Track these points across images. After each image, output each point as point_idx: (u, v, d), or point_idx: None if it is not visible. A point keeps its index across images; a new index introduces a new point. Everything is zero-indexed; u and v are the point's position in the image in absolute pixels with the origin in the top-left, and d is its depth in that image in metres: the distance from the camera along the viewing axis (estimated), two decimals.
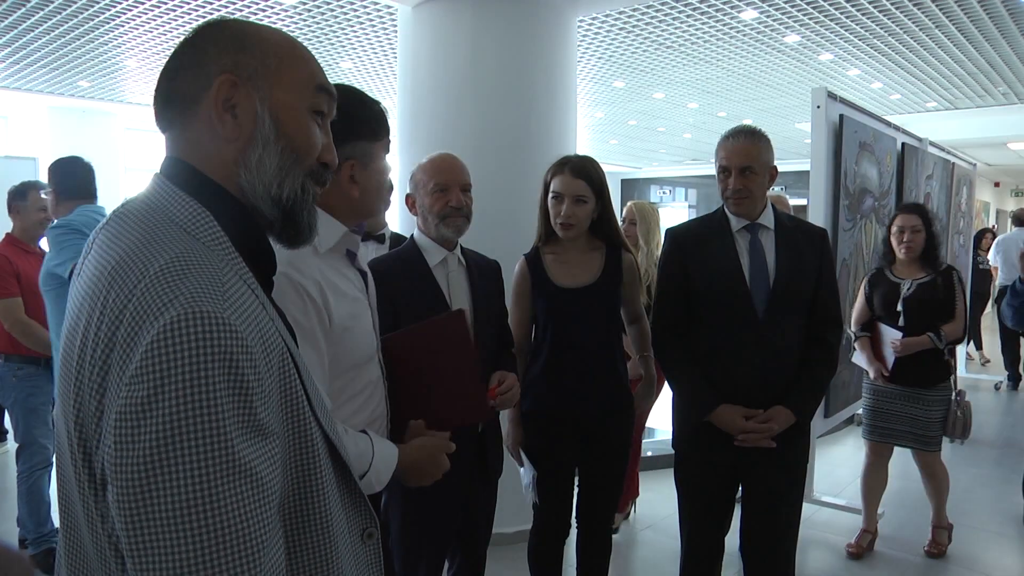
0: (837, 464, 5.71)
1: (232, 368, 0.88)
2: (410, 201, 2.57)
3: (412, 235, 2.64)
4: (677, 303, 2.84)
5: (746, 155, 2.71)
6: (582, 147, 18.36)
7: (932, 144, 7.05)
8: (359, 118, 1.81)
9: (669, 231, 2.98)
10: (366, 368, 1.89)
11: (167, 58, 1.12)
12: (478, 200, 3.94)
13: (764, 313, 2.72)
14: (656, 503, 4.82)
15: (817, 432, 5.00)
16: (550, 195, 2.87)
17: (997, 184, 19.13)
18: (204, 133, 1.08)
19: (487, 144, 4.14)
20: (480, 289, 2.57)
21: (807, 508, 4.83)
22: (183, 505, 0.85)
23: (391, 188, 1.92)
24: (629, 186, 23.51)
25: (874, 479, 4.43)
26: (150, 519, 0.85)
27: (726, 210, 2.85)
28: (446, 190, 2.50)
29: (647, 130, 14.75)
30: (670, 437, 3.02)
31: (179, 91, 1.08)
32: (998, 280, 9.85)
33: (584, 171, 2.84)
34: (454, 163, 2.58)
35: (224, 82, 1.06)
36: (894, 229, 4.25)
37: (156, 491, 0.85)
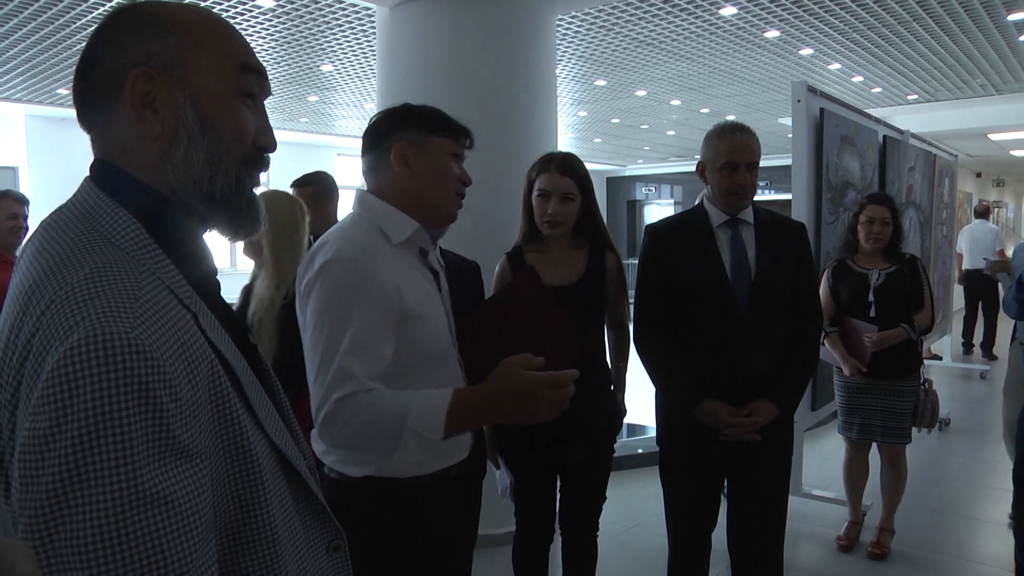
0: (826, 457, 5.73)
1: (142, 392, 0.82)
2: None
3: None
4: (659, 300, 2.83)
5: (752, 151, 2.76)
6: (566, 146, 18.34)
7: (914, 136, 7.08)
8: (416, 112, 1.94)
9: (649, 228, 2.97)
10: (441, 366, 1.92)
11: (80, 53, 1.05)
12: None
13: (746, 308, 2.73)
14: (643, 501, 4.82)
15: (805, 425, 5.01)
16: (535, 193, 2.82)
17: (979, 175, 19.26)
18: (126, 132, 1.01)
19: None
20: (459, 291, 2.54)
21: (796, 501, 4.85)
22: (91, 545, 0.78)
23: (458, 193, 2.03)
24: (615, 184, 23.55)
25: (856, 472, 4.44)
26: (58, 559, 0.78)
27: (707, 205, 2.86)
28: None
29: (630, 128, 14.76)
30: (655, 434, 3.01)
31: (95, 90, 1.01)
32: (963, 265, 10.31)
33: (571, 168, 2.81)
34: None
35: (139, 76, 0.99)
36: (863, 219, 4.19)
37: (61, 530, 0.79)
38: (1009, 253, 6.28)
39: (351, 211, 1.97)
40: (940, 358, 9.95)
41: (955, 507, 4.99)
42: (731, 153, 2.73)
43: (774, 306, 2.77)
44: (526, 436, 2.83)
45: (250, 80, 1.08)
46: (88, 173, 1.04)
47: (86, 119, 1.04)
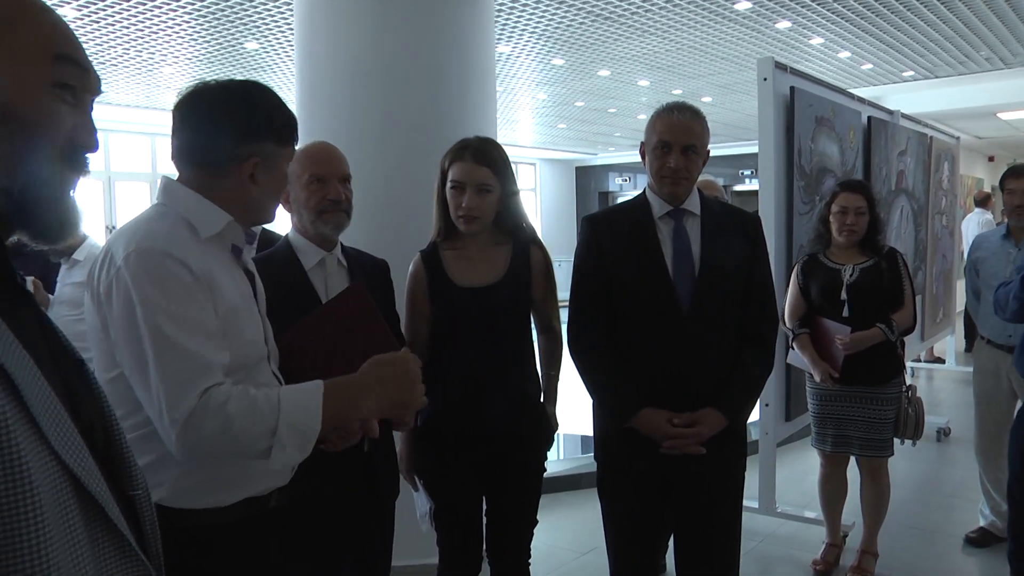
0: (803, 473, 5.79)
1: None
2: (284, 196, 2.55)
3: (286, 235, 2.67)
4: (595, 298, 2.87)
5: (690, 133, 2.78)
6: (527, 132, 18.27)
7: (905, 117, 7.18)
8: (274, 118, 1.89)
9: (586, 219, 3.01)
10: (254, 372, 1.88)
11: None
12: (385, 193, 3.99)
13: (689, 307, 2.77)
14: (600, 523, 4.85)
15: (779, 437, 5.11)
16: (448, 184, 2.84)
17: (991, 159, 19.37)
18: None
19: (393, 129, 4.17)
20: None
21: (770, 522, 4.94)
22: None
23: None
24: (584, 174, 23.71)
25: (832, 489, 4.50)
26: None
27: (649, 194, 2.91)
28: (323, 181, 2.54)
29: (597, 112, 14.88)
30: None
31: None
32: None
33: (487, 156, 2.83)
34: (331, 152, 2.63)
35: None
36: (835, 209, 4.24)
37: None
38: None
39: (155, 201, 1.91)
40: (943, 361, 10.09)
41: (949, 527, 5.05)
42: (665, 132, 2.78)
43: (721, 305, 2.82)
44: (451, 454, 2.88)
45: (66, 71, 1.10)
46: None
47: None
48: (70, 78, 1.10)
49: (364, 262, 2.76)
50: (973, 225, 10.42)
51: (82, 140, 1.12)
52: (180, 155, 1.89)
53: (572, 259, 3.00)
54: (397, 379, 1.76)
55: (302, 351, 2.10)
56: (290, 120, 1.94)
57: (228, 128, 1.84)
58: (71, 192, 1.12)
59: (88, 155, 1.14)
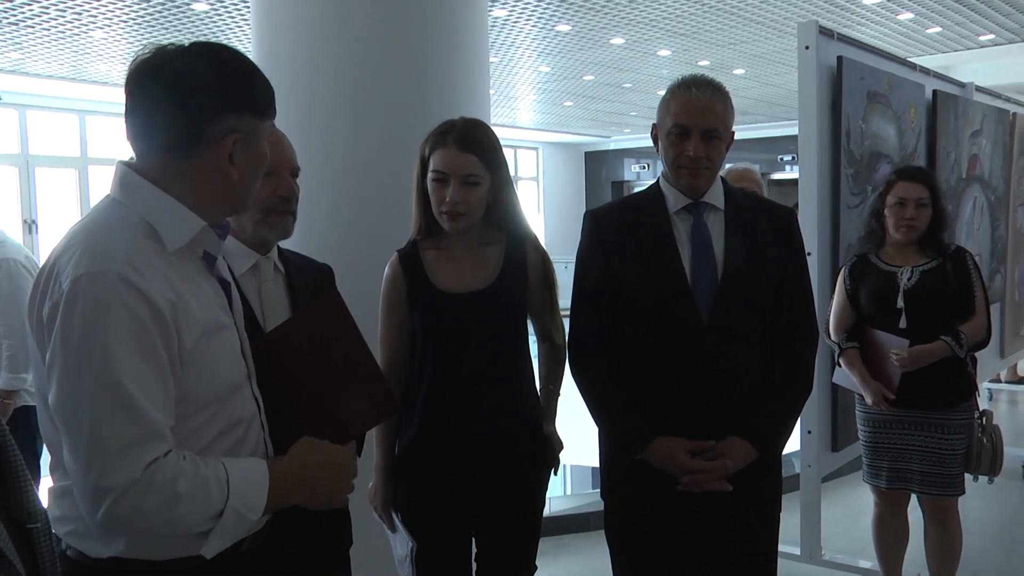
0: (855, 513, 5.77)
1: None
2: None
3: None
4: (600, 307, 2.90)
5: (711, 114, 2.77)
6: (528, 111, 18.23)
7: (980, 90, 7.10)
8: (253, 85, 1.90)
9: (589, 214, 3.04)
10: (231, 402, 1.91)
11: None
12: (357, 182, 4.02)
13: (710, 317, 2.79)
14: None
15: (824, 471, 5.11)
16: (430, 175, 2.87)
17: None
18: None
19: (366, 108, 4.18)
20: (305, 304, 2.53)
21: (815, 572, 4.93)
22: None
23: None
24: (595, 160, 23.75)
25: (889, 533, 4.48)
26: None
27: (663, 184, 2.93)
28: (272, 174, 2.43)
29: (609, 87, 14.87)
30: None
31: None
32: None
33: (474, 142, 2.85)
34: (281, 139, 2.54)
35: None
36: (891, 201, 4.22)
37: None
38: None
39: (109, 195, 1.87)
40: None
41: None
42: (681, 114, 2.78)
43: (747, 315, 2.84)
44: (436, 486, 2.91)
45: None
46: None
47: None
48: None
49: (305, 268, 2.73)
50: None
51: None
52: (140, 137, 1.86)
53: None
54: (325, 469, 1.94)
55: (271, 362, 2.12)
56: (269, 87, 1.94)
57: (201, 99, 1.81)
58: None
59: None
